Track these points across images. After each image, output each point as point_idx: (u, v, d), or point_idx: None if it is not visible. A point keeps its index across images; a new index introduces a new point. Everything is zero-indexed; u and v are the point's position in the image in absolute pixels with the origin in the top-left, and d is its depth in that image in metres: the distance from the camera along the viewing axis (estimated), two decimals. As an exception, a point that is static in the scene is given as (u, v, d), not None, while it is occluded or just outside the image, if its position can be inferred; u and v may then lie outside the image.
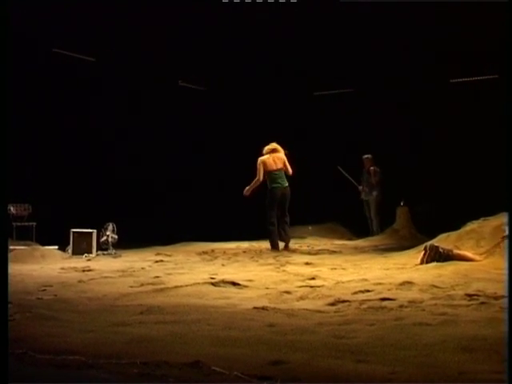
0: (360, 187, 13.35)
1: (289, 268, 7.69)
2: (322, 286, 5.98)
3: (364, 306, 4.89)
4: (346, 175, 13.26)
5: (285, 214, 10.34)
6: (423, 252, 7.49)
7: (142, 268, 7.84)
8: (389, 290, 5.58)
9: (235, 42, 11.91)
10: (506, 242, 7.12)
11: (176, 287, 5.84)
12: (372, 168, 13.20)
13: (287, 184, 10.31)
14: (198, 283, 6.06)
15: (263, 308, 4.77)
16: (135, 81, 12.73)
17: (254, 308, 4.78)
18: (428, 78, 13.43)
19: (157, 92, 13.29)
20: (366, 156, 13.28)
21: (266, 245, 11.59)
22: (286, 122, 15.02)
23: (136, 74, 12.73)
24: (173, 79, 14.06)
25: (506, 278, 5.63)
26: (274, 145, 10.49)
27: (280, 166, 10.32)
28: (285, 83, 14.25)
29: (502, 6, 5.84)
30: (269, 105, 14.83)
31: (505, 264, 6.47)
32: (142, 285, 6.17)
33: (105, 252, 9.69)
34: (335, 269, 7.62)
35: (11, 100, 4.50)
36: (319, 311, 4.74)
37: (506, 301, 4.62)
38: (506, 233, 7.38)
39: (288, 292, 5.63)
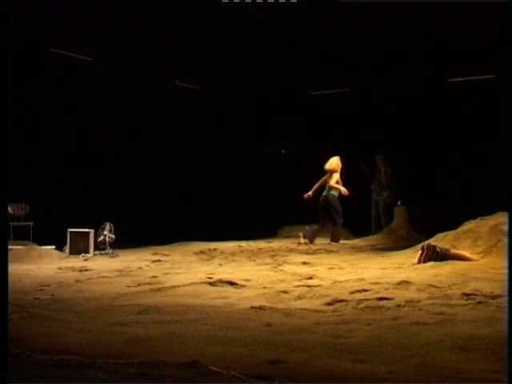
0: (372, 186, 13.47)
1: (286, 267, 7.69)
2: (320, 285, 5.98)
3: (361, 305, 4.89)
4: (364, 170, 13.34)
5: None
6: (420, 251, 7.51)
7: (140, 268, 7.83)
8: (386, 289, 5.58)
9: (234, 42, 11.89)
10: (506, 241, 7.13)
11: (173, 287, 5.84)
12: (382, 169, 13.33)
13: (325, 193, 12.09)
14: (196, 283, 6.06)
15: (260, 307, 4.77)
16: (133, 80, 12.72)
17: (252, 307, 4.77)
18: (426, 77, 13.44)
19: (154, 91, 13.28)
20: (377, 156, 13.43)
21: (263, 244, 11.63)
22: (284, 122, 15.06)
23: (133, 74, 12.72)
24: (170, 78, 14.05)
25: (506, 277, 5.63)
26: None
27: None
28: (283, 82, 14.25)
29: (502, 6, 5.84)
30: (267, 104, 14.86)
31: (502, 263, 6.49)
32: (139, 284, 6.16)
33: (102, 252, 9.68)
34: (332, 268, 7.63)
35: (9, 99, 4.48)
36: (316, 311, 4.74)
37: (505, 300, 4.63)
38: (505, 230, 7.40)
39: (285, 291, 5.63)
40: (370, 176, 13.52)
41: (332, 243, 11.63)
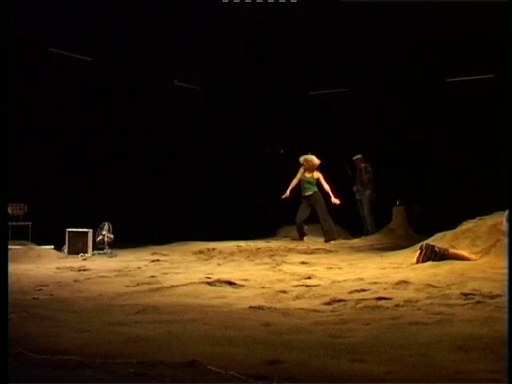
0: (354, 187, 13.48)
1: (285, 267, 7.69)
2: (318, 285, 5.99)
3: (360, 305, 4.90)
4: (349, 172, 13.36)
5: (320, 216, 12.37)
6: (419, 251, 7.51)
7: (138, 267, 7.84)
8: (385, 289, 5.59)
9: (233, 42, 11.89)
10: (506, 241, 7.13)
11: (172, 287, 5.84)
12: (362, 165, 13.33)
13: (310, 192, 12.41)
14: (194, 283, 6.06)
15: (259, 307, 4.77)
16: (132, 80, 12.71)
17: (250, 307, 4.78)
18: (425, 77, 13.44)
19: (153, 91, 13.27)
20: (355, 157, 13.46)
21: (262, 244, 11.63)
22: (283, 122, 15.05)
23: (132, 74, 12.71)
24: (169, 78, 14.04)
25: (505, 277, 5.63)
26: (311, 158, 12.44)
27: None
28: (282, 82, 14.25)
29: (502, 6, 5.85)
30: (266, 104, 14.85)
31: (501, 263, 6.50)
32: (137, 284, 6.16)
33: (101, 251, 9.68)
34: (331, 268, 7.64)
35: (9, 100, 4.48)
36: (315, 310, 4.74)
37: (504, 300, 4.64)
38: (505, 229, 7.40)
39: (284, 291, 5.63)
40: (352, 177, 13.52)
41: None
